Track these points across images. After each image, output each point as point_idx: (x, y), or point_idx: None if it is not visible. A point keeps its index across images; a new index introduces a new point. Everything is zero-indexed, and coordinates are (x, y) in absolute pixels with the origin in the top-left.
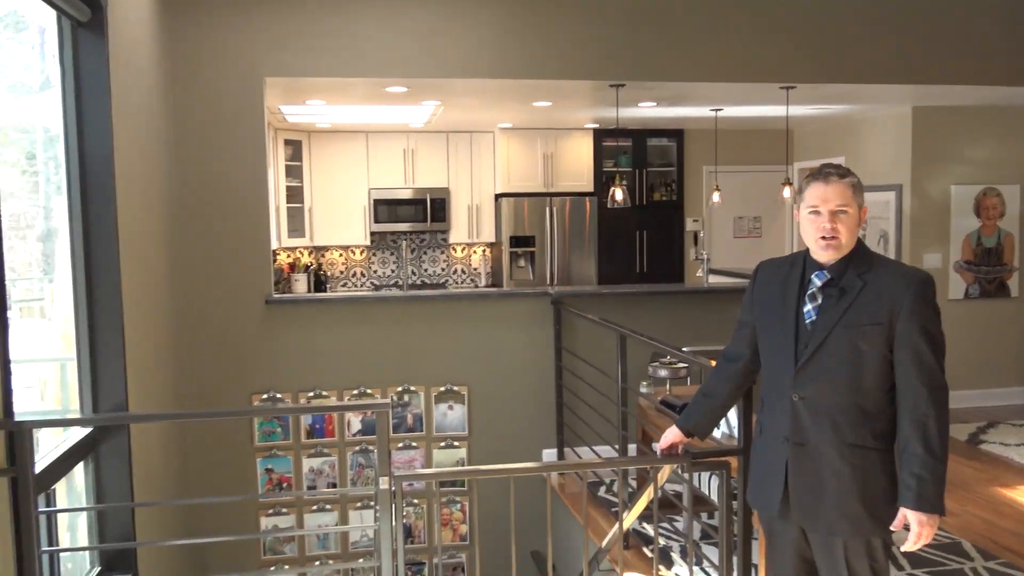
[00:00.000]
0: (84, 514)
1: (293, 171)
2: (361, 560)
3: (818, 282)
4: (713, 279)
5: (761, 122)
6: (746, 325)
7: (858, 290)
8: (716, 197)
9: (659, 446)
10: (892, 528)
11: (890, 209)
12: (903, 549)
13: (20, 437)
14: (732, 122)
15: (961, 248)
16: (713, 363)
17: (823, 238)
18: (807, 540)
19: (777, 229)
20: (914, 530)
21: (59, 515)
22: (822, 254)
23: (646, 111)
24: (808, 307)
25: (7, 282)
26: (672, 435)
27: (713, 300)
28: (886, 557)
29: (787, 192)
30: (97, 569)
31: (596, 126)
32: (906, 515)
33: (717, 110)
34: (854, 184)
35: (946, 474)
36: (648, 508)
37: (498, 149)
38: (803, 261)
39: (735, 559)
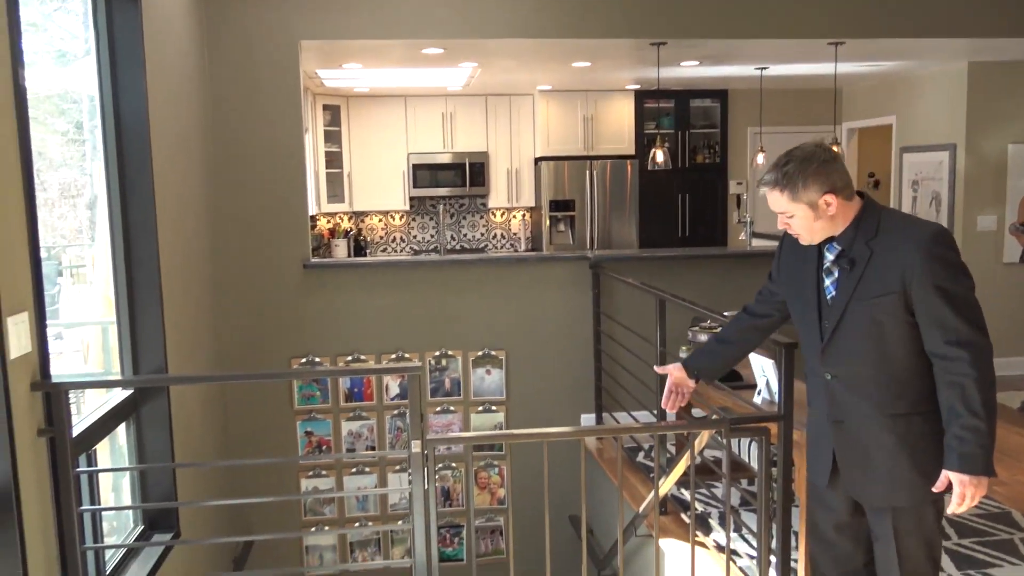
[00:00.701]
0: (127, 475)
1: (332, 136)
2: (400, 523)
3: (830, 255)
4: (756, 243)
5: (808, 81)
6: (774, 292)
7: (867, 260)
8: (761, 159)
9: (657, 369)
10: (934, 490)
11: (943, 170)
12: (948, 512)
13: (57, 398)
14: (778, 81)
15: (1017, 210)
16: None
17: (793, 233)
18: (854, 509)
19: None
20: (956, 491)
21: (103, 476)
22: None
23: (688, 71)
24: (827, 282)
25: (58, 248)
26: (674, 368)
27: (756, 264)
28: (938, 527)
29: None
30: (140, 527)
31: (637, 87)
32: (948, 477)
33: (762, 69)
34: (786, 188)
35: (993, 434)
36: (686, 474)
37: (537, 112)
38: None
39: (774, 526)
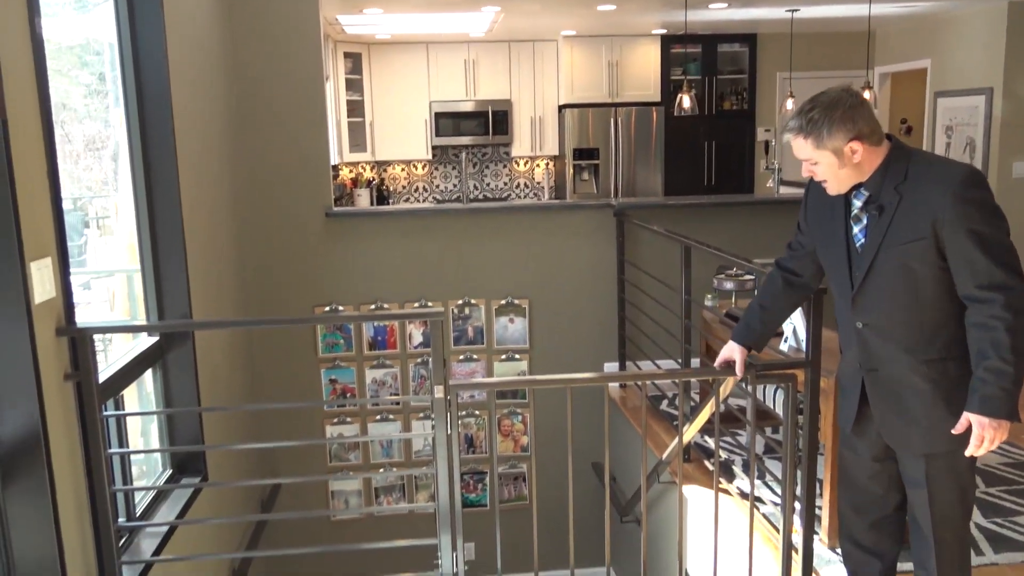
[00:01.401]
0: (155, 422)
1: (353, 85)
2: (425, 468)
3: (858, 202)
4: (784, 190)
5: (841, 23)
6: (804, 243)
7: (896, 205)
8: (790, 104)
9: (718, 362)
10: (953, 431)
11: (978, 115)
12: (966, 453)
13: (82, 343)
14: (809, 24)
15: None
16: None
17: (818, 181)
18: (886, 453)
19: None
20: (975, 433)
21: (131, 423)
22: None
23: (717, 13)
24: (856, 229)
25: (84, 200)
26: (732, 350)
27: (783, 211)
28: (972, 473)
29: (866, 97)
30: (169, 472)
31: (663, 32)
32: (968, 419)
33: (793, 11)
34: (810, 135)
35: (1021, 380)
36: (710, 421)
37: (561, 58)
38: None
39: (799, 473)
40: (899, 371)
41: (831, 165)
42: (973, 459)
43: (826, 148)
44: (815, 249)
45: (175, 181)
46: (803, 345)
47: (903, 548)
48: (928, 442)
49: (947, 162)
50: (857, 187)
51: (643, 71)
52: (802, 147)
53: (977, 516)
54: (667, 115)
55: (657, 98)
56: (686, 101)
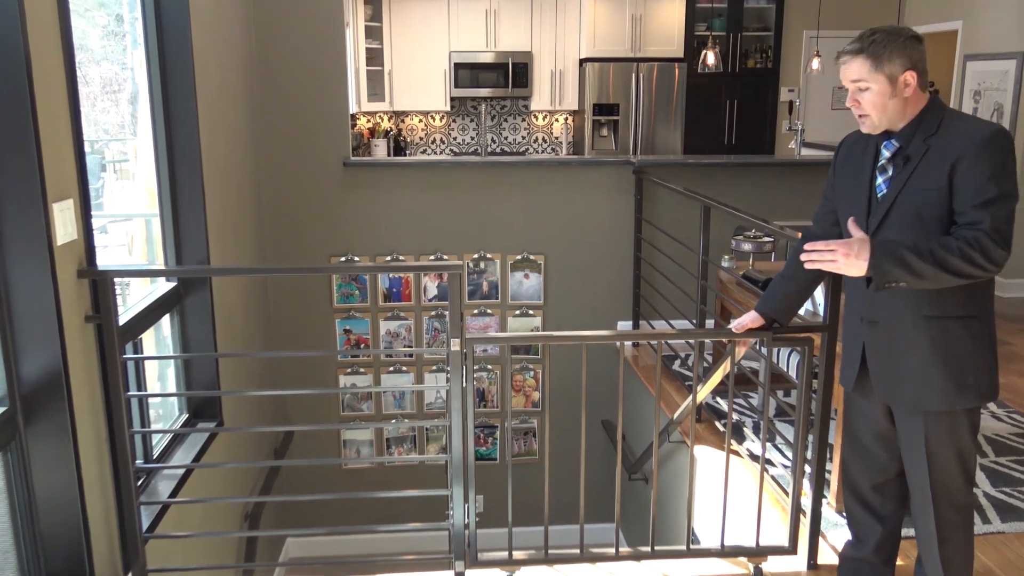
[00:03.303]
0: (172, 367)
1: (373, 32)
2: (438, 420)
3: (886, 152)
4: (806, 152)
5: None
6: (828, 202)
7: (921, 155)
8: (815, 64)
9: (734, 325)
10: (851, 229)
11: (1008, 80)
12: (805, 248)
13: (103, 286)
14: None
15: None
16: (800, 236)
17: (859, 115)
18: (890, 418)
19: None
20: (854, 241)
21: (149, 369)
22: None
23: None
24: (880, 180)
25: (101, 143)
26: (750, 319)
27: (805, 173)
28: (973, 439)
29: None
30: (185, 416)
31: None
32: (863, 235)
33: None
34: (872, 55)
35: (911, 276)
36: (723, 383)
37: (584, 10)
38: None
39: (810, 437)
40: (900, 324)
41: (881, 93)
42: (974, 423)
43: (882, 72)
44: (837, 207)
45: (195, 125)
46: (819, 309)
47: (907, 513)
48: (919, 399)
49: (980, 120)
50: (888, 138)
51: (667, 26)
52: (858, 68)
53: (986, 485)
54: (689, 72)
55: (680, 54)
56: (711, 58)
